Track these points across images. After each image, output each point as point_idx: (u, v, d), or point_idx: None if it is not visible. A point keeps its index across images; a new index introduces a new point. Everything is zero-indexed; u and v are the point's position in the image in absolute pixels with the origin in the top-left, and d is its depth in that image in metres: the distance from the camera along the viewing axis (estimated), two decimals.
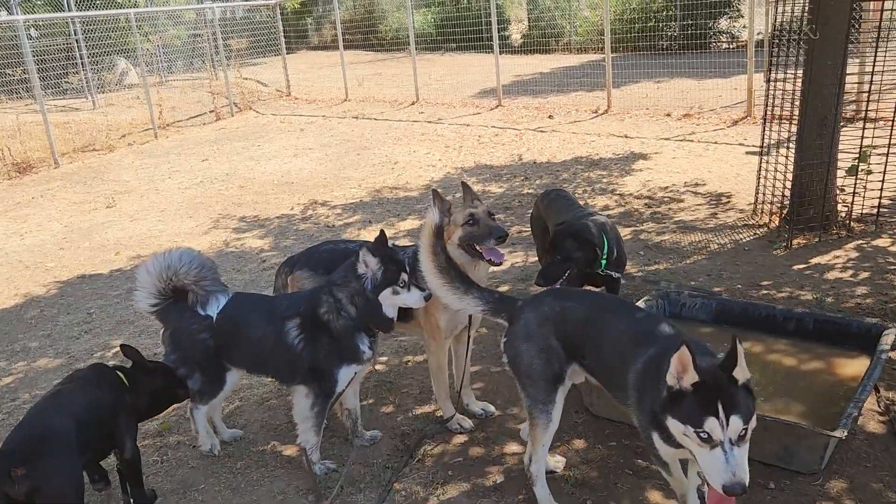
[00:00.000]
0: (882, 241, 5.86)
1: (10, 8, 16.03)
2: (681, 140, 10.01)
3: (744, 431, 2.31)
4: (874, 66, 5.73)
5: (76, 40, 15.73)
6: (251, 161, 11.17)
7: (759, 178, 6.63)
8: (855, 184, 6.03)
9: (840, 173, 6.02)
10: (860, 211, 6.18)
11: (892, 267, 5.37)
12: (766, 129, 6.51)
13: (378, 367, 4.60)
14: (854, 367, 3.81)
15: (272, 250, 7.22)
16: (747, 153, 8.79)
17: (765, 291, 5.15)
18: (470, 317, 3.73)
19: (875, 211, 6.14)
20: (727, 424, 2.28)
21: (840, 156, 5.93)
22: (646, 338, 2.78)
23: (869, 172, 5.97)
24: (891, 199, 6.28)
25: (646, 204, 7.46)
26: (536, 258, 5.51)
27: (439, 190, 3.91)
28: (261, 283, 6.28)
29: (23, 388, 4.86)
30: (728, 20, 17.72)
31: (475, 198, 3.80)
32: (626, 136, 10.50)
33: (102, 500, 3.51)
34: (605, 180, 8.44)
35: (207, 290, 3.55)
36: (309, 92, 17.15)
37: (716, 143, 9.69)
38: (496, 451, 3.67)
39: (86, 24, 15.60)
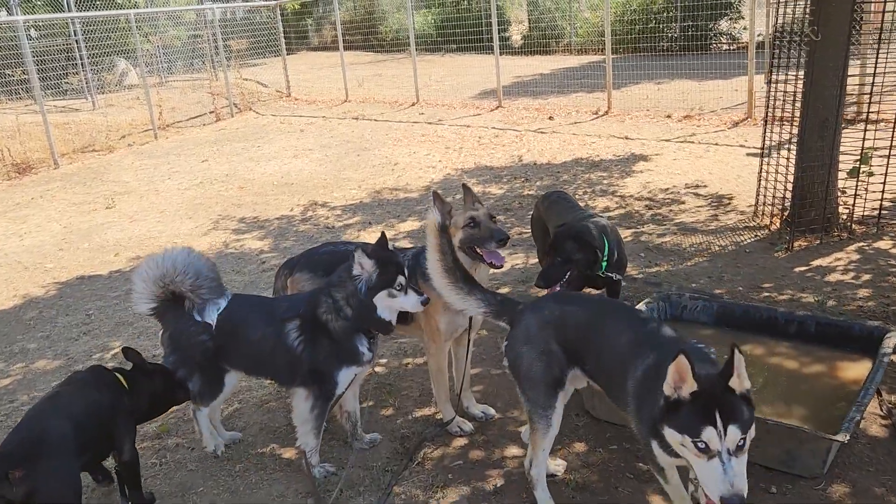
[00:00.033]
0: (883, 244, 5.85)
1: (10, 8, 16.02)
2: (681, 141, 10.00)
3: (742, 441, 2.27)
4: (875, 67, 5.73)
5: (76, 41, 15.73)
6: (251, 162, 11.16)
7: (760, 179, 6.62)
8: (856, 186, 6.02)
9: (841, 175, 6.01)
10: (861, 213, 6.17)
11: (894, 269, 5.36)
12: (767, 130, 6.50)
13: (378, 369, 4.58)
14: (856, 370, 3.80)
15: (272, 251, 7.20)
16: (748, 155, 8.77)
17: (766, 294, 5.14)
18: (470, 319, 3.72)
19: (876, 213, 6.13)
20: (725, 434, 2.24)
21: (841, 158, 5.91)
22: (646, 344, 2.76)
23: (870, 174, 5.97)
24: (892, 202, 6.28)
25: (646, 206, 7.44)
26: (537, 260, 5.50)
27: (439, 191, 3.90)
28: (260, 284, 6.26)
29: (21, 390, 4.84)
30: (728, 21, 17.71)
31: (476, 200, 3.79)
32: (626, 138, 10.49)
33: (102, 500, 3.49)
34: (605, 182, 8.42)
35: (204, 299, 3.53)
36: (309, 93, 17.14)
37: (716, 144, 9.68)
38: (496, 454, 3.65)
39: (86, 24, 15.59)
